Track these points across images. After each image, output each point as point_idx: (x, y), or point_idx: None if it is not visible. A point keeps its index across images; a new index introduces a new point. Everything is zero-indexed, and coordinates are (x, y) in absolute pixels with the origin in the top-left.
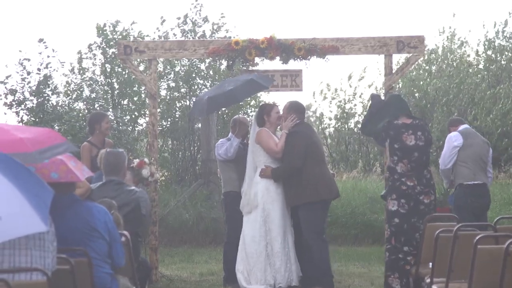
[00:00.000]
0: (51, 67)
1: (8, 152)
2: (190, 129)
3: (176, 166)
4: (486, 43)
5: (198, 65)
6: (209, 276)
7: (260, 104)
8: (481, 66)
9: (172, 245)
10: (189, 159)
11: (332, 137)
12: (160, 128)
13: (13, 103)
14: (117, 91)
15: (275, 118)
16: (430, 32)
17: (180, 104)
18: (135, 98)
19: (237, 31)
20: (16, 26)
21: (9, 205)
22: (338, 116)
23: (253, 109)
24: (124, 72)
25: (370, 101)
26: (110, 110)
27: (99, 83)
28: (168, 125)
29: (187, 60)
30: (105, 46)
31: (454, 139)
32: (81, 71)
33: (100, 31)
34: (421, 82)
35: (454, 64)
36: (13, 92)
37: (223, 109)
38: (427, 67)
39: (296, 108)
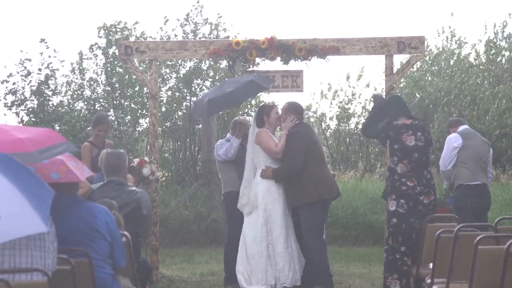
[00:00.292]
0: (52, 67)
1: (8, 152)
2: (191, 130)
3: (176, 167)
4: (490, 44)
5: (200, 66)
6: (210, 277)
7: (260, 104)
8: (481, 67)
9: (173, 245)
10: (190, 160)
11: (332, 138)
12: (160, 129)
13: (14, 103)
14: (118, 91)
15: (274, 119)
16: (431, 33)
17: (181, 104)
18: (139, 99)
19: (237, 31)
20: (17, 26)
21: (9, 205)
22: (339, 117)
23: (253, 108)
24: (125, 73)
25: (373, 102)
26: (111, 110)
27: (100, 84)
28: (169, 126)
29: (190, 61)
30: (106, 47)
31: (453, 140)
32: (82, 72)
33: (105, 30)
34: (422, 82)
35: (452, 63)
36: (13, 92)
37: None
38: (428, 68)
39: (294, 109)
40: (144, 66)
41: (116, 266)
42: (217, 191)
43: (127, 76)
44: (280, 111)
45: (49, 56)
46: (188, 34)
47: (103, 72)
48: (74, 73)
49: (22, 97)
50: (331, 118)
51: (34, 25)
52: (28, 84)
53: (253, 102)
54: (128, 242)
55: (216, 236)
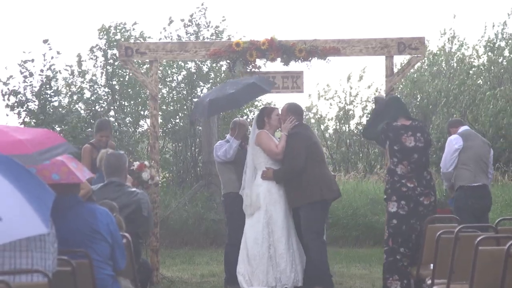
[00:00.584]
0: (54, 68)
1: (8, 153)
2: (192, 131)
3: (177, 168)
4: (489, 44)
5: (201, 68)
6: (210, 278)
7: (261, 106)
8: (482, 68)
9: (173, 246)
10: (190, 161)
11: (332, 139)
12: (161, 130)
13: (15, 104)
14: (119, 92)
15: (275, 120)
16: (431, 34)
17: (182, 105)
18: (138, 100)
19: (238, 33)
20: (19, 27)
21: (10, 207)
22: (339, 117)
23: (253, 109)
24: (125, 74)
25: (374, 105)
26: (112, 111)
27: (100, 85)
28: (169, 127)
29: (192, 63)
30: (106, 48)
31: (454, 142)
32: (81, 74)
33: (104, 32)
34: (421, 83)
35: (455, 65)
36: (15, 93)
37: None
38: (428, 69)
39: (294, 110)
40: (146, 68)
41: (116, 268)
42: (218, 192)
43: (127, 77)
44: (280, 112)
45: (52, 57)
46: (191, 35)
47: (103, 74)
48: (74, 75)
49: (24, 98)
50: (330, 119)
51: (36, 26)
52: (29, 85)
53: (256, 103)
54: (129, 243)
55: (216, 237)
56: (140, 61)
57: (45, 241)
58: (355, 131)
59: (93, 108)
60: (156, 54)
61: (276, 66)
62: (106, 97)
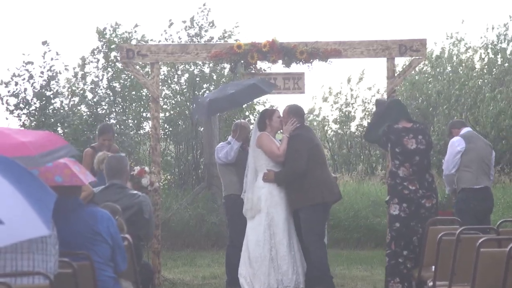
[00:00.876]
0: (54, 69)
1: (10, 155)
2: (193, 133)
3: (178, 170)
4: (490, 46)
5: (203, 71)
6: (212, 280)
7: (263, 108)
8: (484, 70)
9: (175, 248)
10: (192, 163)
11: (333, 141)
12: (162, 132)
13: (15, 106)
14: (120, 94)
15: (276, 123)
16: (433, 36)
17: (184, 107)
18: (140, 102)
19: (242, 36)
20: (19, 29)
21: (11, 209)
22: (340, 120)
23: (255, 111)
24: (127, 76)
25: (376, 107)
26: (113, 114)
27: (101, 87)
28: (170, 129)
29: (194, 65)
30: (106, 50)
31: (457, 144)
32: (83, 76)
33: (101, 35)
34: (423, 86)
35: (459, 69)
36: (16, 95)
37: (224, 112)
38: (430, 71)
39: (295, 112)
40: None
41: (117, 270)
42: (219, 194)
43: (128, 80)
44: (281, 115)
45: (52, 59)
46: (193, 37)
47: (104, 76)
48: (77, 78)
49: (24, 100)
50: (333, 121)
51: (36, 28)
52: (31, 87)
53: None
54: (130, 245)
55: (218, 239)
56: (140, 63)
57: (47, 243)
58: (356, 133)
59: (94, 110)
60: (157, 56)
61: (278, 67)
62: (107, 99)
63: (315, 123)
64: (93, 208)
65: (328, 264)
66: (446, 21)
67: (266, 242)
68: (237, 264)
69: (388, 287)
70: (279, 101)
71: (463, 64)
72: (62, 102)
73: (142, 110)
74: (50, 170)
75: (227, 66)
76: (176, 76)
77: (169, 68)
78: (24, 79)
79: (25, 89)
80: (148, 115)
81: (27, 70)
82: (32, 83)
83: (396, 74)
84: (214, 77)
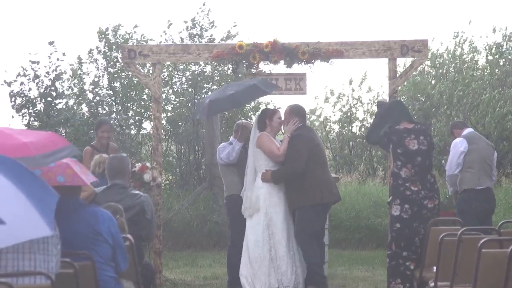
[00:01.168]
0: (60, 70)
1: (11, 156)
2: (195, 133)
3: (180, 170)
4: (494, 47)
5: (204, 71)
6: (213, 280)
7: (262, 108)
8: (486, 71)
9: (176, 248)
10: (193, 163)
11: (335, 141)
12: (164, 132)
13: (19, 106)
14: (121, 94)
15: (276, 123)
16: (438, 37)
17: (186, 108)
18: (141, 102)
19: (243, 36)
20: (23, 29)
21: (14, 209)
22: (342, 120)
23: (257, 112)
24: (127, 76)
25: (377, 109)
26: (114, 114)
27: (102, 87)
28: (172, 130)
29: (196, 66)
30: (106, 51)
31: (459, 144)
32: (81, 76)
33: (102, 35)
34: (427, 86)
35: (463, 69)
36: (20, 95)
37: (225, 113)
38: (432, 71)
39: (297, 112)
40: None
41: (118, 270)
42: (220, 194)
43: (127, 79)
44: (282, 116)
45: (57, 59)
46: (194, 37)
47: (104, 76)
48: (75, 77)
49: (30, 100)
50: (334, 122)
51: (38, 28)
52: (36, 87)
53: (260, 106)
54: (131, 246)
55: (219, 240)
56: (140, 63)
57: (48, 243)
58: (358, 134)
59: (95, 110)
60: (159, 56)
61: (279, 68)
62: (108, 99)
63: (316, 123)
64: (94, 208)
65: (320, 263)
66: (452, 22)
67: (265, 242)
68: (238, 264)
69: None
70: (281, 102)
71: (466, 65)
72: (67, 102)
73: (143, 110)
74: (52, 170)
75: (229, 66)
76: (177, 76)
77: (170, 70)
78: (29, 79)
79: (30, 89)
80: (148, 114)
81: (33, 69)
82: (37, 83)
83: (397, 75)
84: (216, 77)
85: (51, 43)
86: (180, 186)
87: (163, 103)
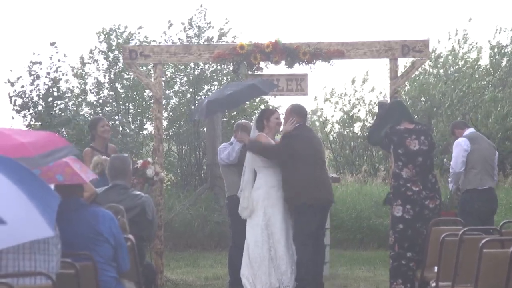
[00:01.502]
0: (61, 71)
1: (10, 156)
2: (196, 134)
3: (181, 170)
4: (497, 47)
5: (205, 72)
6: (215, 281)
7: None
8: (486, 70)
9: (177, 249)
10: (195, 163)
11: (336, 141)
12: (165, 133)
13: (21, 106)
14: (123, 95)
15: (274, 123)
16: (436, 36)
17: (186, 108)
18: (143, 103)
19: (243, 36)
20: (24, 29)
21: (15, 210)
22: (343, 120)
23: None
24: (129, 77)
25: (378, 109)
26: (116, 115)
27: (103, 88)
28: (173, 130)
29: (196, 66)
30: (107, 51)
31: (463, 143)
32: (83, 77)
33: (105, 35)
34: (429, 86)
35: (464, 68)
36: (21, 95)
37: (226, 113)
38: (434, 71)
39: (298, 111)
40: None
41: (120, 270)
42: (222, 194)
43: (129, 80)
44: (281, 116)
45: (59, 60)
46: (192, 38)
47: (106, 76)
48: (77, 78)
49: (30, 100)
50: (334, 123)
51: (40, 28)
52: (36, 88)
53: (262, 106)
54: (133, 246)
55: (220, 240)
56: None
57: (48, 243)
58: (360, 134)
59: (101, 110)
60: (160, 56)
61: (281, 69)
62: (109, 99)
63: (317, 123)
64: (95, 208)
65: (317, 265)
66: (452, 21)
67: (264, 242)
68: (239, 265)
69: None
70: (282, 102)
71: (467, 65)
72: (67, 103)
73: (144, 111)
74: (51, 169)
75: (230, 67)
76: (178, 76)
77: (172, 72)
78: (33, 79)
79: (31, 90)
80: (149, 115)
81: (34, 70)
82: (37, 85)
83: (399, 75)
84: (216, 76)
85: (52, 44)
86: (181, 186)
87: (165, 102)
